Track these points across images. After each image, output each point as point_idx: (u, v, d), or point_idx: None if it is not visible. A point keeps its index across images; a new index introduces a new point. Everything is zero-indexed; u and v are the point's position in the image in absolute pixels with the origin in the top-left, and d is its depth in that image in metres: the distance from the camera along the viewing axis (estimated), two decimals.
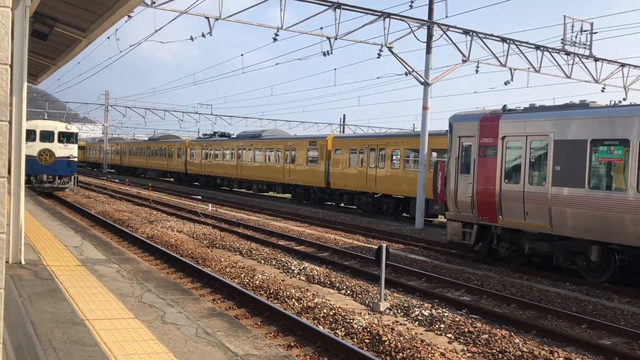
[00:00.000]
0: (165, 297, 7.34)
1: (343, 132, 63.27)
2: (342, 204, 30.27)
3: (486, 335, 8.27)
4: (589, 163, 12.09)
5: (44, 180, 28.39)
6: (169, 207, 26.95)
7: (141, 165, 59.35)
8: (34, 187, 27.83)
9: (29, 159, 26.54)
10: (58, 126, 29.15)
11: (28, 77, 12.97)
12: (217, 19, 18.68)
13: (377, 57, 22.12)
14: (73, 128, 29.67)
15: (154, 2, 17.69)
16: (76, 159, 29.41)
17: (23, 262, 8.50)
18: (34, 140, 27.58)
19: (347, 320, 8.66)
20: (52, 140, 28.28)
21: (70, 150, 28.78)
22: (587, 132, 12.23)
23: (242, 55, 28.32)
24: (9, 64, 2.43)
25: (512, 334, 8.45)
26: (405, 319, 9.36)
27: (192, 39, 20.22)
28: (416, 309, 9.62)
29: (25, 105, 8.44)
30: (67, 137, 28.87)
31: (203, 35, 19.20)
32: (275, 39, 20.00)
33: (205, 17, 18.82)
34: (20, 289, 7.10)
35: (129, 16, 17.39)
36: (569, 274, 13.19)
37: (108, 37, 24.32)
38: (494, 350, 7.81)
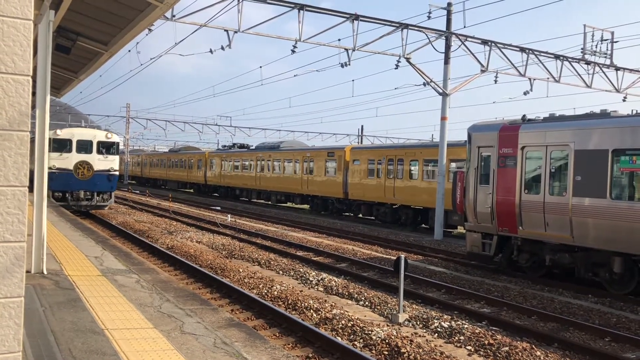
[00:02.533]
0: (184, 307, 7.37)
1: (361, 143, 63.28)
2: (360, 215, 30.19)
3: (507, 348, 8.16)
4: (610, 173, 11.92)
5: (81, 197, 24.74)
6: (189, 218, 27.13)
7: (161, 177, 59.93)
8: (70, 206, 24.14)
9: (64, 172, 23.99)
10: (97, 135, 25.65)
11: (51, 90, 13.20)
12: (236, 32, 18.86)
13: (395, 68, 22.13)
14: (114, 137, 25.86)
15: (174, 16, 17.94)
16: (117, 173, 25.68)
17: (45, 272, 8.61)
18: (69, 151, 24.46)
19: (366, 332, 8.61)
20: (90, 151, 24.85)
21: (111, 163, 25.21)
22: (608, 142, 12.07)
23: (260, 67, 28.78)
24: (30, 75, 2.49)
25: (534, 346, 8.33)
26: (425, 330, 9.28)
27: (211, 51, 20.42)
28: (435, 321, 9.53)
29: (48, 118, 8.58)
30: (107, 148, 25.34)
31: (222, 48, 19.40)
32: (293, 51, 20.12)
33: (225, 30, 19.03)
34: (41, 298, 7.19)
35: (150, 29, 17.67)
36: (591, 286, 12.98)
37: (129, 51, 24.69)
38: None
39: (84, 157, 24.67)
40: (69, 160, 24.37)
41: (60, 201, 24.07)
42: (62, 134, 24.63)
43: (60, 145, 24.27)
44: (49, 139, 25.03)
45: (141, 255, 14.85)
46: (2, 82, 2.43)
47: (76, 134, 25.15)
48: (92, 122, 69.15)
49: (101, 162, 24.99)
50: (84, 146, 24.88)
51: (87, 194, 24.94)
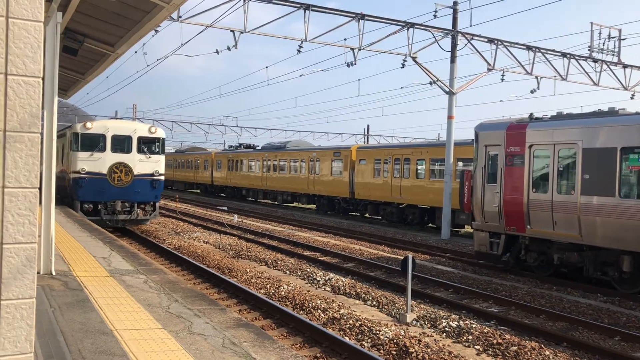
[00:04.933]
0: (192, 307, 7.38)
1: (367, 143, 63.20)
2: (367, 215, 30.17)
3: (515, 347, 8.13)
4: (619, 171, 11.86)
5: (118, 210, 19.33)
6: (196, 219, 27.18)
7: (168, 177, 60.01)
8: (103, 221, 18.97)
9: (96, 178, 19.04)
10: (138, 129, 20.01)
11: (59, 92, 13.25)
12: (242, 32, 18.88)
13: (401, 67, 22.10)
14: (159, 131, 20.24)
15: (180, 17, 17.97)
16: (163, 177, 20.19)
17: (54, 273, 8.64)
18: (102, 150, 19.23)
19: (374, 332, 8.60)
20: (129, 150, 19.54)
21: (155, 165, 19.83)
22: (616, 140, 12.01)
23: (266, 67, 28.96)
24: (41, 77, 2.50)
25: (542, 346, 8.29)
26: (433, 330, 9.26)
27: (217, 52, 20.46)
28: (443, 320, 9.51)
29: (55, 119, 8.62)
30: (150, 145, 19.95)
31: (228, 48, 19.41)
32: (299, 51, 20.13)
33: (231, 31, 19.05)
34: (51, 299, 7.22)
35: (156, 30, 17.70)
36: (600, 285, 12.91)
37: (135, 52, 24.76)
38: None
39: (121, 157, 19.40)
40: (102, 161, 19.13)
41: (91, 215, 19.05)
42: (94, 127, 19.39)
43: (91, 143, 19.25)
44: (77, 134, 19.17)
45: (148, 256, 14.89)
46: (12, 84, 2.44)
47: (111, 127, 19.61)
48: None
49: (143, 164, 19.62)
50: (122, 143, 19.51)
51: (125, 206, 19.49)
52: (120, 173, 19.21)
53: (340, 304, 10.55)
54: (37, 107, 2.50)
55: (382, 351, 7.97)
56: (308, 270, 14.00)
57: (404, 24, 21.00)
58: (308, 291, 11.60)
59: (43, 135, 8.54)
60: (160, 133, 20.22)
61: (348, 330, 8.85)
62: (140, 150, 19.69)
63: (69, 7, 8.88)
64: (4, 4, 2.38)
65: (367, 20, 20.25)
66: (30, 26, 2.44)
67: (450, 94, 22.67)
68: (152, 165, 19.76)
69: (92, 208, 19.25)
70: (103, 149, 19.27)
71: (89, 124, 19.36)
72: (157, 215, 21.02)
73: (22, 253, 2.46)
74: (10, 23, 2.41)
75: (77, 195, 19.22)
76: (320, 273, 13.58)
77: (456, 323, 9.36)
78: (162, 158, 20.15)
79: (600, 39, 23.67)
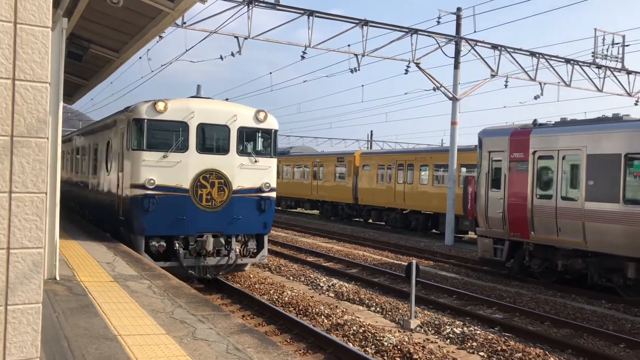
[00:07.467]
0: (195, 313, 7.36)
1: (370, 148, 63.20)
2: (370, 220, 30.15)
3: (520, 354, 8.10)
4: (623, 177, 11.83)
5: (208, 250, 11.87)
6: None
7: None
8: (184, 268, 11.69)
9: (173, 196, 11.67)
10: (239, 114, 12.38)
11: (63, 97, 13.30)
12: (246, 38, 18.95)
13: (405, 73, 22.14)
14: (269, 119, 12.67)
15: (184, 23, 18.05)
16: (274, 195, 12.73)
17: (58, 278, 8.64)
18: (183, 148, 11.79)
19: (377, 338, 8.58)
20: (224, 149, 12.18)
21: (264, 174, 12.48)
22: (621, 146, 11.98)
23: (270, 73, 29.31)
24: (48, 82, 2.52)
25: (547, 353, 8.26)
26: (437, 336, 9.23)
27: (221, 58, 20.52)
28: (447, 327, 9.48)
29: (60, 125, 8.64)
30: (257, 142, 12.74)
31: (232, 54, 19.48)
32: (303, 57, 20.17)
33: (235, 37, 19.11)
34: (55, 304, 7.21)
35: (160, 36, 17.78)
36: (605, 292, 12.86)
37: (140, 57, 24.77)
38: None
39: (212, 161, 12.02)
40: (183, 168, 11.76)
41: (161, 259, 11.80)
42: (169, 110, 11.77)
43: (164, 137, 11.93)
44: (141, 120, 11.56)
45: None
46: (20, 89, 2.45)
47: (197, 111, 11.95)
48: None
49: (246, 173, 12.29)
50: (213, 137, 12.26)
51: (219, 242, 12.03)
52: (210, 188, 11.92)
53: (344, 310, 10.53)
54: (44, 112, 2.52)
55: (386, 357, 7.95)
56: (312, 275, 13.98)
57: (407, 30, 21.04)
58: (312, 297, 11.58)
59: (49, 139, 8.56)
60: (271, 122, 12.78)
61: (352, 337, 8.83)
62: (242, 150, 12.37)
63: (74, 13, 8.93)
64: (12, 10, 2.40)
65: (370, 26, 20.29)
66: (38, 32, 2.46)
67: (454, 100, 22.68)
68: (259, 174, 12.42)
69: (166, 248, 11.84)
70: (184, 147, 11.79)
71: (160, 105, 11.70)
72: (265, 257, 13.28)
73: (28, 258, 2.47)
74: (18, 29, 2.42)
75: (140, 226, 11.84)
76: (324, 279, 13.56)
77: (460, 329, 9.33)
78: (274, 162, 12.79)
79: (604, 45, 23.68)
